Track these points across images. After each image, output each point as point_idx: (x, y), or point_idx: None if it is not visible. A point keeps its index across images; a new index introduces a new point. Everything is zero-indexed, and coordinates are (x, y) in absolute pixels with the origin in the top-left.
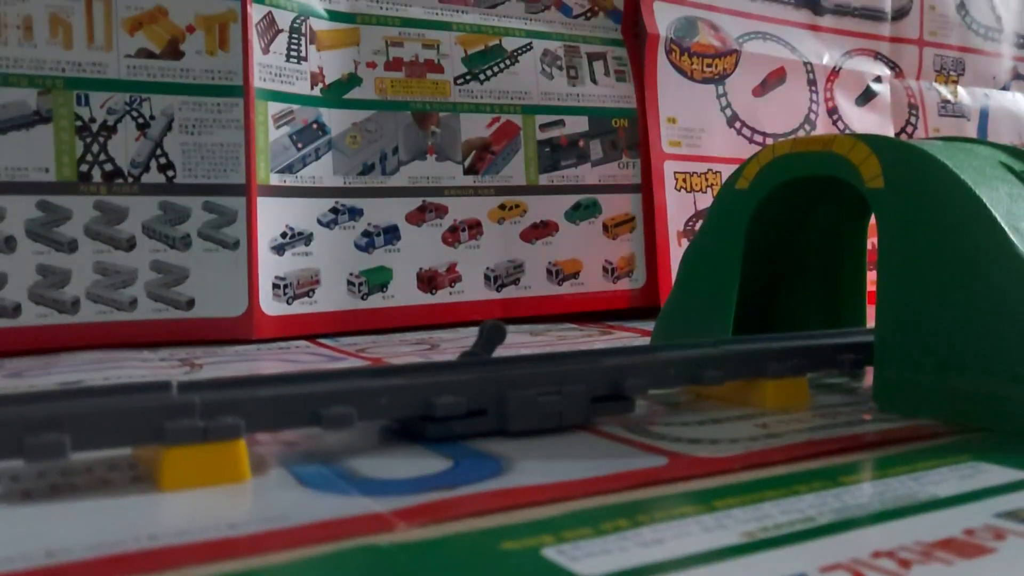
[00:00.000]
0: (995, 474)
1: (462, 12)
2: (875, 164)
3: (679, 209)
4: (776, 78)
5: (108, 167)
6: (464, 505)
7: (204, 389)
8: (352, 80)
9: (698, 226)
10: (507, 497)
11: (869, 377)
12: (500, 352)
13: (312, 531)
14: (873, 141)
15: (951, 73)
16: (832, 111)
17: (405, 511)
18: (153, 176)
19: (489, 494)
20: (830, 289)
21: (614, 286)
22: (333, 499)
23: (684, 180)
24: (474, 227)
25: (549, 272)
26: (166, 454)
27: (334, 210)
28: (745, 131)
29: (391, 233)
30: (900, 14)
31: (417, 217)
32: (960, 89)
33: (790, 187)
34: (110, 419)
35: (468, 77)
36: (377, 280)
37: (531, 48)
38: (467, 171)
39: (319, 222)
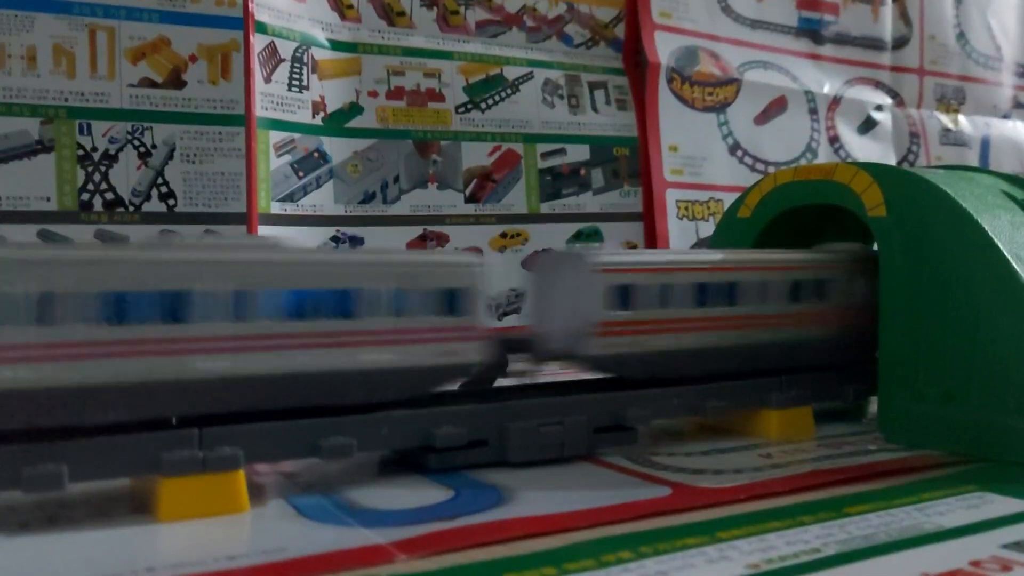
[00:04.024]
0: (1001, 505)
1: (463, 41)
2: (877, 193)
3: (681, 237)
4: (777, 107)
5: (109, 196)
6: (465, 536)
7: (203, 419)
8: (354, 109)
9: None
10: (508, 528)
11: (874, 407)
12: (501, 382)
13: (311, 563)
14: (875, 169)
15: (952, 102)
16: (833, 139)
17: (405, 542)
18: (154, 205)
19: (490, 525)
20: None
21: None
22: (332, 530)
23: (686, 208)
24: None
25: None
26: (164, 485)
27: (335, 238)
28: (747, 159)
29: None
30: (900, 43)
31: (418, 245)
32: (961, 118)
33: (792, 215)
34: (109, 450)
35: (469, 106)
36: None
37: (532, 77)
38: (468, 199)
39: None
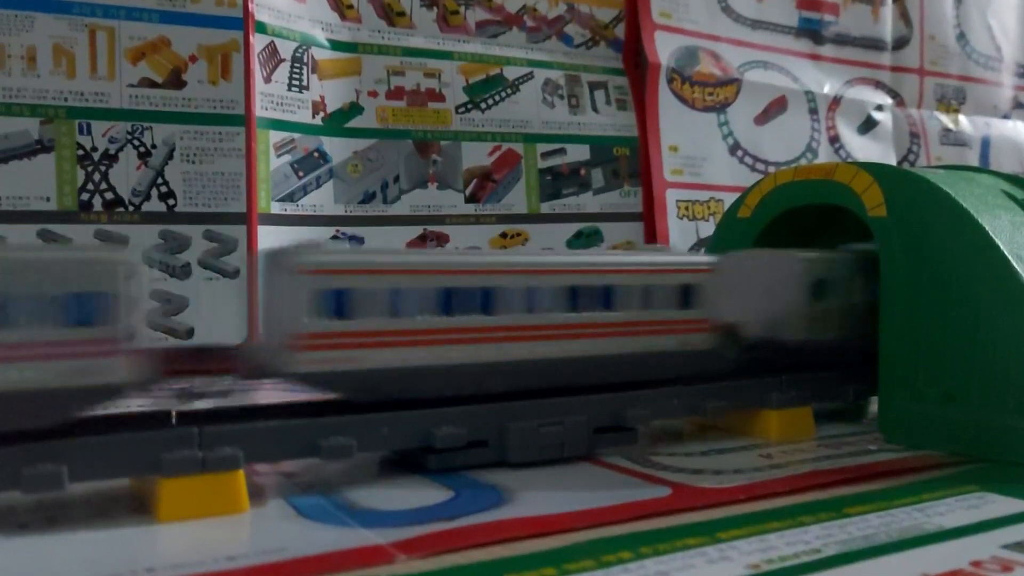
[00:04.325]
0: (1002, 505)
1: (464, 41)
2: (877, 193)
3: (681, 237)
4: (777, 107)
5: (109, 196)
6: (465, 537)
7: (203, 419)
8: (354, 109)
9: None
10: (508, 528)
11: (874, 407)
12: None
13: (311, 563)
14: (875, 169)
15: (952, 102)
16: (834, 140)
17: (405, 543)
18: (154, 204)
19: (490, 525)
20: None
21: None
22: (332, 531)
23: (686, 208)
24: None
25: None
26: (164, 485)
27: (335, 238)
28: (747, 159)
29: None
30: (900, 43)
31: (418, 246)
32: (961, 118)
33: (792, 215)
34: (108, 450)
35: (469, 106)
36: None
37: (532, 77)
38: (468, 199)
39: None
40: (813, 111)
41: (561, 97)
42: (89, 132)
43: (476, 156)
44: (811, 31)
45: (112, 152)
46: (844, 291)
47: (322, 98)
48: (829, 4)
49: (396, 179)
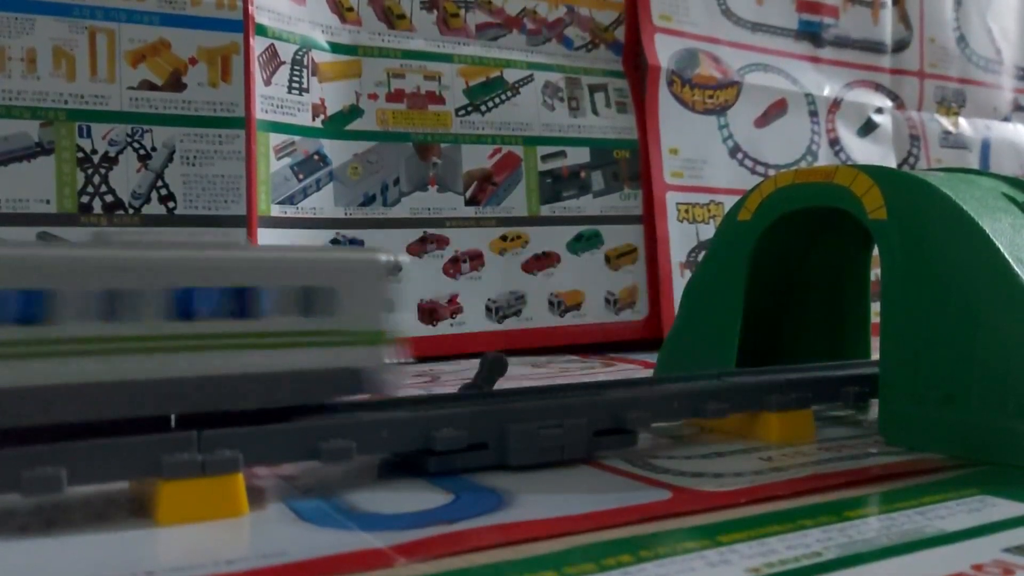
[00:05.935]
0: (1003, 508)
1: (464, 44)
2: (877, 195)
3: (681, 240)
4: (777, 109)
5: (109, 198)
6: (465, 540)
7: (202, 422)
8: (354, 111)
9: (700, 257)
10: (508, 532)
11: (875, 410)
12: (501, 384)
13: (310, 567)
14: (875, 172)
15: (952, 104)
16: (834, 142)
17: (405, 546)
18: (154, 207)
19: (490, 528)
20: (834, 321)
21: (616, 317)
22: (332, 534)
23: (686, 211)
24: (475, 258)
25: (551, 303)
26: (163, 488)
27: (335, 241)
28: (747, 162)
29: None
30: (900, 46)
31: (418, 248)
32: (961, 120)
33: (792, 218)
34: (108, 452)
35: (469, 108)
36: None
37: (532, 80)
38: (468, 202)
39: None
40: (813, 114)
41: (561, 100)
42: (89, 134)
43: (476, 159)
44: (811, 34)
45: (112, 155)
46: None
47: (322, 101)
48: (829, 7)
49: (396, 182)
